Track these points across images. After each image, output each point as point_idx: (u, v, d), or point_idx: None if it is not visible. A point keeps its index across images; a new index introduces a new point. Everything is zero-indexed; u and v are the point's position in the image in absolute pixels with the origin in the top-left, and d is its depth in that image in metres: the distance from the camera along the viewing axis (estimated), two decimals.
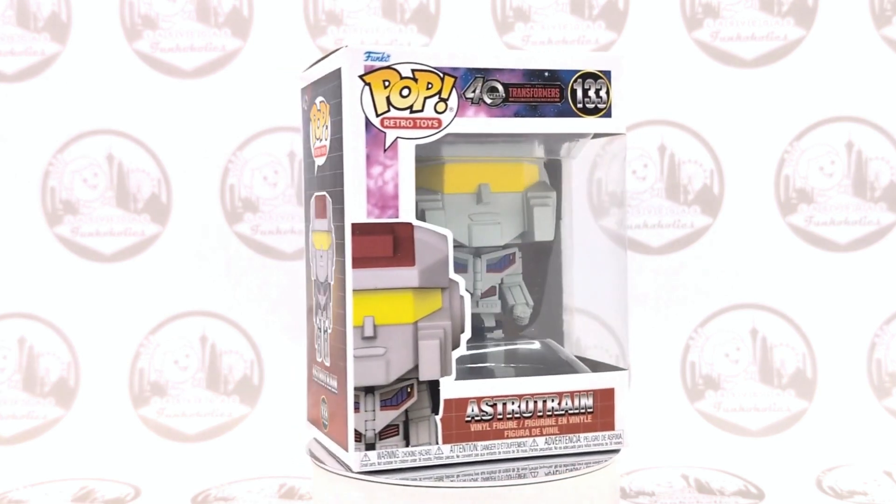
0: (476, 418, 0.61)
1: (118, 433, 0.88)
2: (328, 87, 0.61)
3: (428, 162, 0.64)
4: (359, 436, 0.59)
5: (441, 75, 0.59)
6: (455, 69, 0.60)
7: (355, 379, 0.58)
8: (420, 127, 0.59)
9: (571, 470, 0.59)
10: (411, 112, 0.59)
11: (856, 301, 0.89)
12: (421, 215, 0.63)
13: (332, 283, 0.61)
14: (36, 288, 0.92)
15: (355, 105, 0.58)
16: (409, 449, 0.60)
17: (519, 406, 0.61)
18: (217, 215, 0.91)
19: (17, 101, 0.91)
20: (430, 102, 0.59)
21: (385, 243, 0.58)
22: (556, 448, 0.62)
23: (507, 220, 0.64)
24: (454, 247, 0.64)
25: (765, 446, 0.85)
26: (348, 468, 0.60)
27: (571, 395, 0.62)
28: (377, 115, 0.58)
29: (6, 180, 0.92)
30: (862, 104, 0.89)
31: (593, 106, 0.62)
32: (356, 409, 0.59)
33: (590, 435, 0.62)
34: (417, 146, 0.60)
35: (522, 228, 0.65)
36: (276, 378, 0.91)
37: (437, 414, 0.60)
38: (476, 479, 0.58)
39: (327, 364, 0.62)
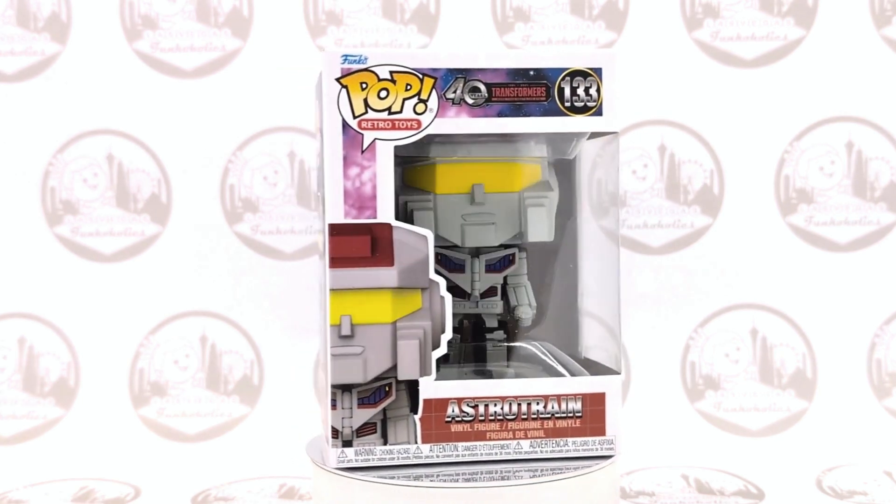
0: (457, 419, 0.61)
1: (118, 433, 0.88)
2: (317, 91, 0.62)
3: (420, 162, 0.64)
4: (336, 433, 0.60)
5: (420, 76, 0.60)
6: (435, 70, 0.60)
7: (332, 377, 0.60)
8: (399, 128, 0.60)
9: (554, 473, 0.59)
10: (389, 113, 0.60)
11: (856, 301, 0.89)
12: (409, 215, 0.63)
13: (322, 282, 0.62)
14: (36, 288, 0.92)
15: (332, 108, 0.59)
16: (388, 447, 0.60)
17: (502, 408, 0.61)
18: (217, 215, 0.91)
19: (17, 101, 0.91)
20: (409, 104, 0.60)
21: (363, 244, 0.59)
22: (541, 452, 0.61)
23: (503, 220, 0.64)
24: (451, 247, 0.64)
25: (765, 446, 0.85)
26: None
27: (558, 398, 0.61)
28: (354, 117, 0.59)
29: (6, 180, 0.92)
30: (862, 104, 0.89)
31: (582, 104, 0.61)
32: (333, 406, 0.60)
33: (578, 440, 0.61)
34: (412, 147, 0.60)
35: (518, 229, 0.64)
36: (276, 378, 0.91)
37: (415, 413, 0.60)
38: (478, 479, 0.58)
39: None
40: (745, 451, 0.84)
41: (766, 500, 0.72)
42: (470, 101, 0.60)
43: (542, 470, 0.60)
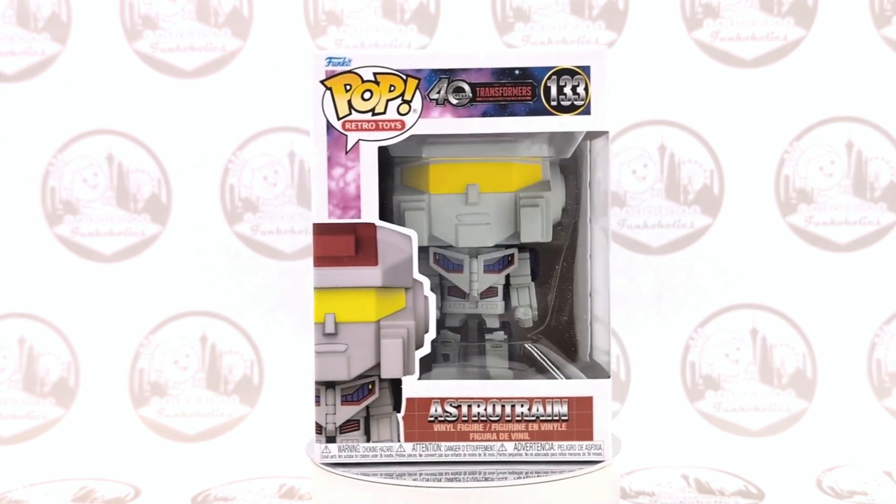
0: (440, 419, 0.61)
1: (118, 433, 0.88)
2: None
3: (416, 162, 0.64)
4: (320, 429, 0.61)
5: (403, 77, 0.60)
6: (418, 71, 0.60)
7: (316, 373, 0.61)
8: (382, 129, 0.60)
9: (554, 473, 0.59)
10: (373, 114, 0.60)
11: (856, 301, 0.89)
12: (401, 215, 0.63)
13: None
14: (36, 288, 0.92)
15: (317, 109, 0.60)
16: (371, 445, 0.61)
17: (485, 409, 0.61)
18: (217, 215, 0.91)
19: (17, 101, 0.91)
20: (393, 104, 0.60)
21: (347, 243, 0.60)
22: (526, 455, 0.61)
23: (498, 220, 0.63)
24: (449, 247, 0.64)
25: (765, 446, 0.85)
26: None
27: (543, 400, 0.61)
28: (338, 119, 0.60)
29: (6, 180, 0.92)
30: (862, 104, 0.88)
31: (569, 103, 0.60)
32: (317, 402, 0.61)
33: (564, 444, 0.61)
34: (408, 147, 0.61)
35: (514, 229, 0.64)
36: (276, 378, 0.91)
37: (398, 412, 0.61)
38: (477, 479, 0.58)
39: None
40: (745, 451, 0.84)
41: (766, 500, 0.72)
42: (454, 102, 0.60)
43: (542, 471, 0.60)
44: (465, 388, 0.61)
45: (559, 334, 0.68)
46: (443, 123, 0.60)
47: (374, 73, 0.60)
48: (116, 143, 0.91)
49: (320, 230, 0.61)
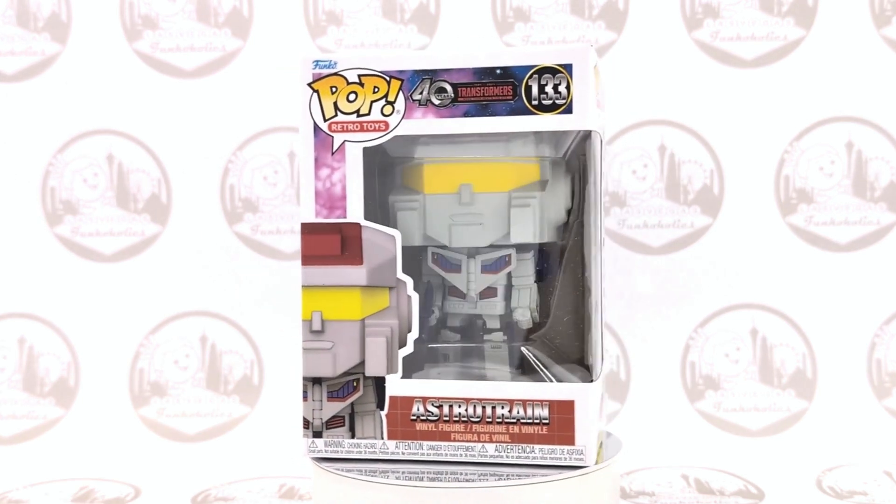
0: (422, 418, 0.61)
1: (118, 433, 0.88)
2: None
3: (412, 162, 0.64)
4: (307, 423, 0.62)
5: (387, 79, 0.61)
6: (401, 72, 0.60)
7: (304, 370, 0.62)
8: (367, 130, 0.61)
9: (554, 473, 0.59)
10: (358, 116, 0.61)
11: (856, 301, 0.89)
12: (394, 215, 0.63)
13: None
14: (36, 288, 0.92)
15: (305, 111, 0.62)
16: (355, 441, 0.62)
17: (466, 410, 0.61)
18: (217, 215, 0.91)
19: (17, 101, 0.91)
20: (377, 106, 0.61)
21: (332, 242, 0.61)
22: (507, 457, 0.61)
23: (491, 220, 0.63)
24: (445, 247, 0.64)
25: (765, 446, 0.85)
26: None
27: (524, 403, 0.60)
28: (325, 120, 0.61)
29: (6, 180, 0.92)
30: (862, 104, 0.88)
31: (551, 102, 0.59)
32: (305, 398, 0.62)
33: (546, 447, 0.60)
34: (405, 147, 0.62)
35: (508, 230, 0.64)
36: (276, 378, 0.91)
37: (382, 410, 0.61)
38: (474, 479, 0.58)
39: None
40: (745, 451, 0.84)
41: (766, 500, 0.72)
42: (436, 102, 0.60)
43: (523, 473, 0.59)
44: (447, 387, 0.61)
45: (558, 336, 0.68)
46: (425, 124, 0.60)
47: (359, 75, 0.61)
48: (116, 143, 0.91)
49: (308, 229, 0.62)
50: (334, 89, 0.61)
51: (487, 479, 0.58)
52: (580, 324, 0.67)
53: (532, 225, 0.63)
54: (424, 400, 0.61)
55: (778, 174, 0.89)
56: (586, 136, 0.64)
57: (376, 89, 0.61)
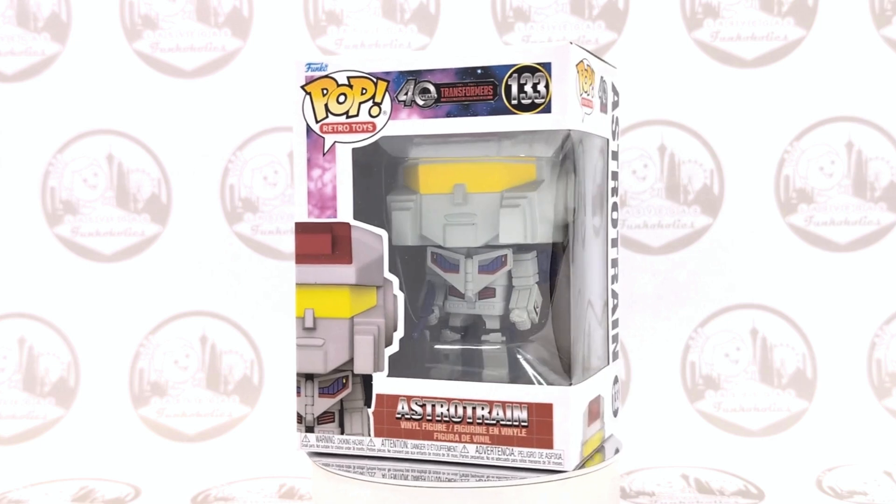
0: (406, 416, 0.62)
1: (118, 433, 0.88)
2: None
3: (410, 162, 0.64)
4: (300, 418, 0.64)
5: (374, 80, 0.61)
6: (387, 73, 0.61)
7: (297, 366, 0.63)
8: (356, 131, 0.62)
9: (498, 480, 0.59)
10: (347, 117, 0.62)
11: (856, 301, 0.89)
12: (390, 215, 0.64)
13: None
14: (36, 288, 0.92)
15: (298, 114, 0.63)
16: (344, 437, 0.63)
17: (448, 409, 0.61)
18: (217, 215, 0.91)
19: (17, 101, 0.91)
20: (365, 107, 0.62)
21: (324, 241, 0.63)
22: (487, 458, 0.60)
23: (484, 221, 0.63)
24: (441, 247, 0.64)
25: (765, 446, 0.85)
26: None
27: (503, 405, 0.60)
28: (317, 122, 0.63)
29: (6, 180, 0.92)
30: (862, 104, 0.88)
31: (530, 102, 0.59)
32: (298, 393, 0.64)
33: (524, 450, 0.60)
34: (403, 147, 0.62)
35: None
36: (276, 378, 0.91)
37: (369, 407, 0.62)
38: (440, 479, 0.58)
39: None
40: (745, 451, 0.84)
41: (766, 500, 0.72)
42: (420, 103, 0.61)
43: (503, 475, 0.59)
44: (430, 387, 0.61)
45: (556, 338, 0.67)
46: (410, 125, 0.61)
47: (348, 77, 0.62)
48: (116, 143, 0.91)
49: (301, 229, 0.63)
50: (325, 91, 0.62)
51: (468, 480, 0.58)
52: (567, 326, 0.67)
53: (522, 225, 0.62)
54: (409, 399, 0.62)
55: (778, 174, 0.89)
56: (582, 136, 0.63)
57: (364, 91, 0.62)
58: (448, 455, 0.61)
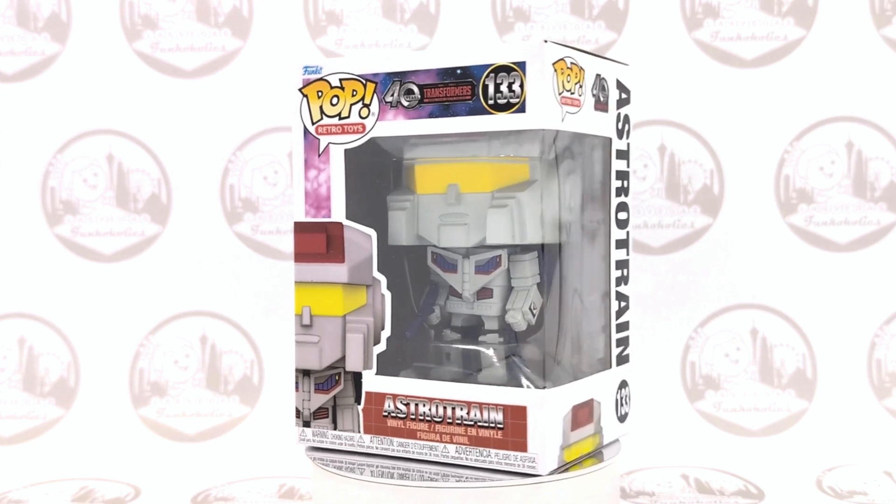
0: (392, 414, 0.62)
1: (118, 433, 0.88)
2: None
3: (409, 163, 0.64)
4: (298, 413, 0.66)
5: (363, 82, 0.62)
6: (375, 75, 0.62)
7: (295, 361, 0.66)
8: (347, 132, 0.63)
9: (476, 481, 0.58)
10: (340, 119, 0.63)
11: (856, 301, 0.89)
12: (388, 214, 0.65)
13: None
14: (36, 288, 0.92)
15: (296, 116, 0.64)
16: (337, 433, 0.64)
17: (429, 409, 0.61)
18: (217, 215, 0.91)
19: (17, 101, 0.91)
20: (355, 109, 0.63)
21: (319, 240, 0.64)
22: (466, 459, 0.60)
23: (476, 221, 0.63)
24: (441, 247, 0.64)
25: (765, 446, 0.85)
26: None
27: (480, 406, 0.60)
28: (313, 124, 0.64)
29: (6, 180, 0.92)
30: (862, 104, 0.88)
31: (505, 101, 0.58)
32: (296, 388, 0.66)
33: (501, 452, 0.59)
34: (402, 147, 0.63)
35: None
36: (276, 378, 0.91)
37: (359, 404, 0.63)
38: (423, 478, 0.59)
39: None
40: (745, 451, 0.84)
41: (766, 500, 0.72)
42: (405, 104, 0.61)
43: (466, 477, 0.59)
44: (413, 386, 0.62)
45: (544, 339, 0.67)
46: (395, 126, 0.61)
47: (340, 79, 0.63)
48: (116, 143, 0.91)
49: (299, 228, 0.65)
50: (320, 94, 0.63)
51: (448, 480, 0.58)
52: (561, 328, 0.66)
53: (509, 226, 0.62)
54: (394, 397, 0.62)
55: (778, 174, 0.89)
56: (576, 135, 0.63)
57: (354, 92, 0.62)
58: (430, 454, 0.61)
